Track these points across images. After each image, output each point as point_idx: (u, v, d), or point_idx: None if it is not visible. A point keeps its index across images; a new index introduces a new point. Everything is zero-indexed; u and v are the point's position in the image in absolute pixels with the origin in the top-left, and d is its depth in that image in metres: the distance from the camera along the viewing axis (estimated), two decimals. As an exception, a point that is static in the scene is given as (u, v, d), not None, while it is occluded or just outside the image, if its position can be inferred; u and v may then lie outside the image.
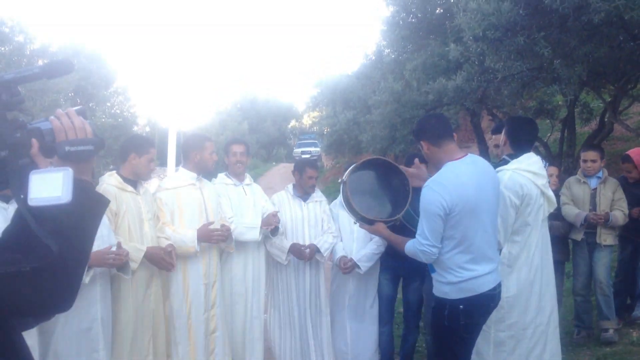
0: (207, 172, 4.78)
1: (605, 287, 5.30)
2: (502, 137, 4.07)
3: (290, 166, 27.31)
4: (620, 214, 5.25)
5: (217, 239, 4.45)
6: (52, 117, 1.49)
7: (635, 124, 12.30)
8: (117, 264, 3.68)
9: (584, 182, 5.44)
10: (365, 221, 3.63)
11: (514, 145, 3.90)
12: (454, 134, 3.44)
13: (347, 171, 3.66)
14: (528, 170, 3.74)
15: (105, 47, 21.07)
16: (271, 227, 4.79)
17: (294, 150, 38.57)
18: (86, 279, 3.49)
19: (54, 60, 1.54)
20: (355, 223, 3.82)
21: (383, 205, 3.69)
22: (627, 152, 5.88)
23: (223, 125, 42.61)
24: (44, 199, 1.32)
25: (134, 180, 4.23)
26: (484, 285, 3.25)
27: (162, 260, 4.09)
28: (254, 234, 4.78)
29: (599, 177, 5.43)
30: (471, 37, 7.68)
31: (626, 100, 10.83)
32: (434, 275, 3.36)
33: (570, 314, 5.66)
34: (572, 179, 5.53)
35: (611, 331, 5.30)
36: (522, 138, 3.98)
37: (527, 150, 3.93)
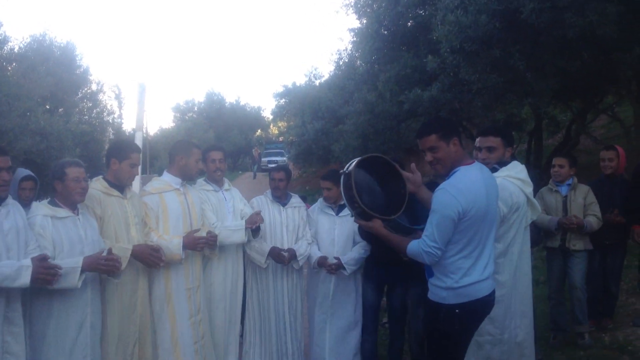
0: (189, 179, 4.75)
1: (579, 293, 5.42)
2: (503, 146, 4.02)
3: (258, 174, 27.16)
4: (594, 219, 5.36)
5: (202, 247, 4.44)
6: None
7: (601, 137, 12.66)
8: (109, 270, 3.63)
9: (555, 191, 5.56)
10: (363, 216, 3.54)
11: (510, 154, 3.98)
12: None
13: (352, 164, 3.61)
14: (517, 178, 3.81)
15: (74, 52, 20.64)
16: (255, 224, 4.80)
17: (261, 159, 38.41)
18: (79, 283, 3.45)
19: None
20: (351, 216, 3.77)
21: (379, 204, 3.66)
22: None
23: (189, 134, 42.28)
24: None
25: (121, 185, 4.18)
26: (481, 291, 3.25)
27: (150, 256, 4.04)
28: (240, 235, 4.77)
29: (568, 185, 5.54)
30: (448, 49, 7.84)
31: (592, 114, 11.17)
32: (431, 280, 3.34)
33: (544, 320, 5.78)
34: (544, 189, 5.65)
35: (587, 336, 5.44)
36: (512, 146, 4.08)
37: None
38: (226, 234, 4.73)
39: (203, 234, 4.47)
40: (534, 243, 5.58)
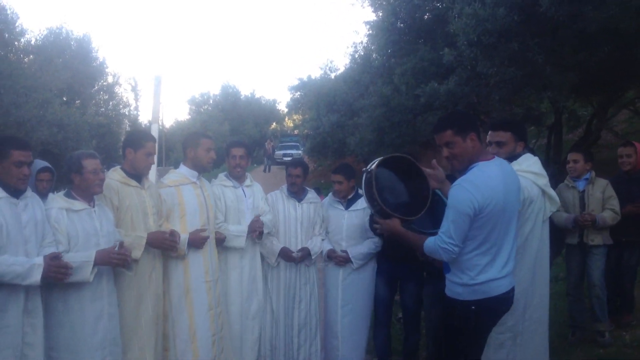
0: (203, 170, 4.71)
1: (598, 290, 5.34)
2: (513, 140, 3.93)
3: (272, 168, 27.33)
4: (609, 214, 5.25)
5: (202, 247, 4.46)
6: None
7: (622, 131, 12.50)
8: (120, 264, 3.67)
9: (572, 187, 5.47)
10: (382, 214, 3.53)
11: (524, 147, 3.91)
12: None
13: (374, 163, 3.58)
14: (529, 171, 3.74)
15: (90, 44, 21.00)
16: (256, 233, 4.80)
17: (275, 152, 38.38)
18: (91, 277, 3.48)
19: None
20: (371, 214, 3.75)
21: (399, 205, 3.63)
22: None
23: (204, 126, 42.47)
24: None
25: (139, 175, 4.18)
26: (498, 289, 3.20)
27: (165, 241, 4.06)
28: (240, 241, 4.77)
29: (586, 179, 5.44)
30: (465, 42, 7.76)
31: (613, 109, 11.02)
32: (448, 276, 3.32)
33: (562, 316, 5.71)
34: (561, 185, 5.54)
35: (607, 334, 5.36)
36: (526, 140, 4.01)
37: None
38: (228, 237, 4.74)
39: (208, 233, 4.49)
40: (554, 255, 5.52)
